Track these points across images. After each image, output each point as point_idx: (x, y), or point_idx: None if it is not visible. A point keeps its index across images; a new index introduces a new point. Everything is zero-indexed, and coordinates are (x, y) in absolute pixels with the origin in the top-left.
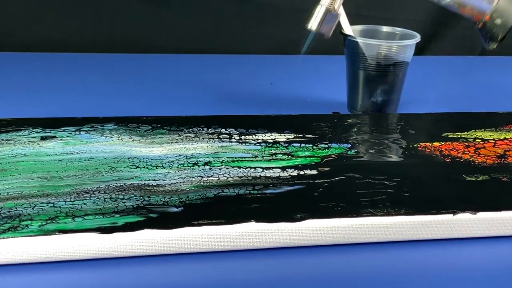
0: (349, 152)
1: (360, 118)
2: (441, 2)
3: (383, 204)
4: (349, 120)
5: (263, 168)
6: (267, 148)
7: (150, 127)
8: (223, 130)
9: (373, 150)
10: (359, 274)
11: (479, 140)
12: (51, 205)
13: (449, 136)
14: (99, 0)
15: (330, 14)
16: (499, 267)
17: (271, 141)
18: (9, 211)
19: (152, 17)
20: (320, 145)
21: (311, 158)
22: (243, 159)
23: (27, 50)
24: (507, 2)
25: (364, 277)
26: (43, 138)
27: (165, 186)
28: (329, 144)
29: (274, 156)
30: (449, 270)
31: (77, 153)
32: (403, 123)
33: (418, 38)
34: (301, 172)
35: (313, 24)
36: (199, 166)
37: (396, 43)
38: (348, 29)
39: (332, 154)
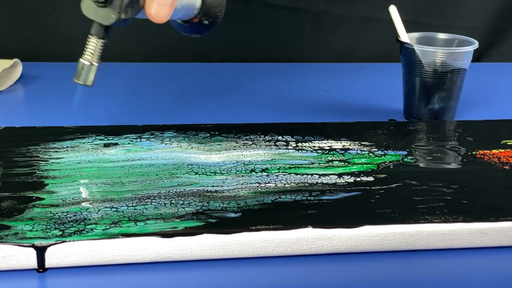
0: (405, 159)
1: (417, 125)
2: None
3: (440, 211)
4: (406, 127)
5: (320, 175)
6: (323, 155)
7: (209, 135)
8: (280, 138)
9: (430, 157)
10: (416, 281)
11: None
12: (115, 209)
13: (508, 143)
14: None
15: (93, 67)
16: None
17: (328, 148)
18: (74, 215)
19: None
20: (376, 152)
21: (367, 165)
22: (300, 165)
23: None
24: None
25: (421, 284)
26: (106, 145)
27: (224, 192)
28: (386, 151)
29: (330, 163)
30: (509, 278)
31: (138, 159)
32: (461, 130)
33: (476, 44)
34: (358, 179)
35: (81, 78)
36: (256, 172)
37: (453, 50)
38: (404, 36)
39: (388, 161)
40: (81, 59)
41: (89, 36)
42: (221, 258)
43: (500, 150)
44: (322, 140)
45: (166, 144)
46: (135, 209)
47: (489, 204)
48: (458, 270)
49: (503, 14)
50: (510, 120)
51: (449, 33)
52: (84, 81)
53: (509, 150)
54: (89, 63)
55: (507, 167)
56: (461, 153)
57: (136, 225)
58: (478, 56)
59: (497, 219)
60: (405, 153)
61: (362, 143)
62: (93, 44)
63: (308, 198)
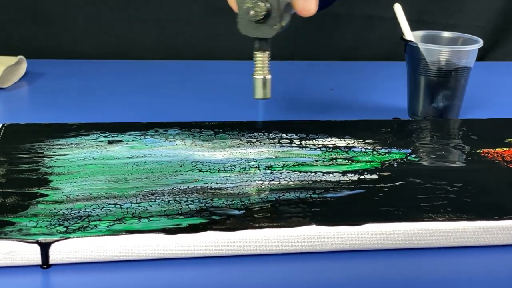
0: (409, 158)
1: (421, 124)
2: None
3: (444, 209)
4: (410, 126)
5: (324, 173)
6: (327, 153)
7: (212, 132)
8: (283, 135)
9: (434, 156)
10: (420, 279)
11: None
12: (118, 206)
13: None
14: (163, 11)
15: (267, 80)
16: None
17: (331, 146)
18: (78, 212)
19: (215, 25)
20: (380, 150)
21: (371, 163)
22: (303, 163)
23: (93, 57)
24: None
25: (424, 282)
26: (110, 142)
27: (227, 190)
28: (390, 149)
29: (334, 160)
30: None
31: (142, 156)
32: (465, 129)
33: (480, 43)
34: (362, 177)
35: (257, 94)
36: (260, 170)
37: (458, 48)
38: (409, 34)
39: (392, 159)
40: (254, 76)
41: (255, 52)
42: (224, 255)
43: (504, 149)
44: (326, 138)
45: (170, 141)
46: (139, 206)
47: (493, 203)
48: (462, 269)
49: (508, 13)
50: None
51: (454, 31)
52: (263, 95)
53: None
54: (262, 77)
55: (511, 166)
56: (465, 152)
57: (140, 222)
58: (482, 55)
59: (501, 217)
60: (409, 151)
61: (366, 141)
62: (261, 59)
63: (312, 195)
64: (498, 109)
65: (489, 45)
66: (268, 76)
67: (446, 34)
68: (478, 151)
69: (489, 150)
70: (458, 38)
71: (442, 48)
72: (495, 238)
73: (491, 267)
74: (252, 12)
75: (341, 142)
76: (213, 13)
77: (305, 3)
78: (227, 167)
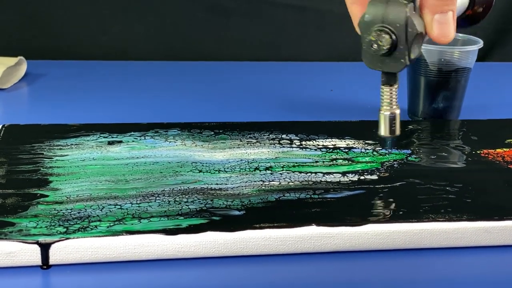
0: (409, 158)
1: (421, 124)
2: None
3: (444, 210)
4: (410, 126)
5: (324, 173)
6: (327, 153)
7: (213, 133)
8: (284, 136)
9: (434, 156)
10: (420, 279)
11: None
12: (119, 207)
13: None
14: (161, 11)
15: (396, 116)
16: None
17: (332, 146)
18: (79, 212)
19: (214, 26)
20: (380, 151)
21: (371, 164)
22: (304, 164)
23: (93, 58)
24: None
25: (425, 282)
26: (110, 143)
27: (228, 190)
28: (390, 150)
29: (334, 161)
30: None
31: (142, 157)
32: (465, 129)
33: (480, 44)
34: (362, 177)
35: (384, 131)
36: (260, 170)
37: (458, 49)
38: None
39: (392, 160)
40: (381, 112)
41: (381, 86)
42: (224, 256)
43: (504, 150)
44: (326, 138)
45: (170, 142)
46: (139, 206)
47: (493, 203)
48: (463, 269)
49: (508, 13)
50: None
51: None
52: (390, 133)
53: None
54: (389, 113)
55: (511, 166)
56: (466, 152)
57: (140, 222)
58: (482, 55)
59: (501, 218)
60: (409, 152)
61: (367, 141)
62: (388, 94)
63: (312, 196)
64: (498, 110)
65: (489, 45)
66: (397, 111)
67: None
68: (478, 152)
69: (489, 150)
70: (458, 39)
71: (442, 49)
72: (495, 238)
73: (492, 268)
74: (375, 46)
75: (341, 143)
76: (214, 13)
77: (442, 30)
78: (227, 168)
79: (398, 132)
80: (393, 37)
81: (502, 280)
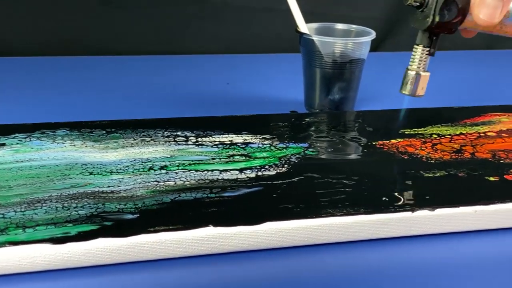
0: (307, 152)
1: (318, 117)
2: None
3: (342, 204)
4: (307, 119)
5: (221, 171)
6: (224, 150)
7: (104, 132)
8: (179, 133)
9: (332, 149)
10: (320, 275)
11: (436, 136)
12: (1, 216)
13: (406, 132)
14: (51, 5)
15: (422, 77)
16: (458, 264)
17: (228, 142)
18: None
19: (108, 19)
20: (278, 146)
21: (269, 159)
22: (200, 162)
23: None
24: None
25: (325, 278)
26: None
27: (120, 193)
28: (287, 144)
29: (231, 158)
30: (409, 268)
31: (27, 160)
32: (360, 121)
33: (373, 35)
34: (259, 174)
35: (406, 89)
36: (155, 170)
37: (351, 40)
38: (303, 27)
39: (290, 154)
40: (407, 69)
41: (415, 45)
42: (119, 262)
43: (399, 140)
44: (223, 134)
45: (58, 143)
46: (23, 214)
47: (389, 195)
48: (361, 262)
49: (399, 4)
50: (408, 109)
51: (347, 23)
52: (411, 91)
53: (407, 139)
54: (415, 73)
55: (405, 157)
56: (362, 144)
57: (25, 232)
58: (375, 46)
59: (397, 209)
60: (307, 145)
61: (264, 136)
62: (419, 54)
63: (209, 195)
64: (393, 100)
65: (382, 36)
66: (422, 74)
67: (340, 26)
68: (374, 143)
69: (384, 141)
70: (352, 30)
71: (336, 40)
72: (392, 230)
73: (389, 259)
74: None
75: (238, 138)
76: (108, 6)
77: (487, 13)
78: (120, 169)
79: (421, 93)
80: None
81: (400, 271)
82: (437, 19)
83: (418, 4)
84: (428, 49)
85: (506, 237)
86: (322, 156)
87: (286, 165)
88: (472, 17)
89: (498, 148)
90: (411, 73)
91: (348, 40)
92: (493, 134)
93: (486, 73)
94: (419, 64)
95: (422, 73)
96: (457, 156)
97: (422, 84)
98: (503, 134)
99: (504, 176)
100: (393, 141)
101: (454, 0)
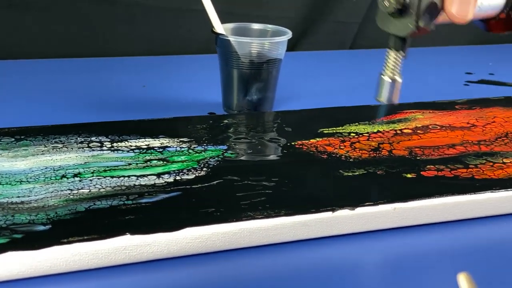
0: (226, 154)
1: (236, 118)
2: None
3: (262, 206)
4: (225, 121)
5: (138, 176)
6: (141, 154)
7: (13, 139)
8: (93, 138)
9: (251, 150)
10: (242, 279)
11: (354, 134)
12: None
13: (325, 131)
14: None
15: (396, 83)
16: (379, 262)
17: (145, 147)
18: None
19: (12, 22)
20: (196, 149)
21: (187, 163)
22: (115, 167)
23: None
24: None
25: (247, 281)
26: None
27: (31, 203)
28: (206, 147)
29: (148, 162)
30: (332, 268)
31: None
32: (279, 121)
33: (289, 34)
34: (178, 178)
35: (382, 96)
36: (68, 178)
37: (268, 40)
38: (219, 27)
39: (209, 157)
40: (382, 76)
41: (388, 50)
42: (30, 277)
43: (318, 139)
44: (139, 138)
45: None
46: None
47: (309, 195)
48: (283, 264)
49: (314, 3)
50: (326, 108)
51: (263, 23)
52: (387, 99)
53: (326, 138)
54: (390, 80)
55: (324, 156)
56: (281, 145)
57: None
58: (292, 45)
59: (317, 210)
60: (225, 147)
61: (181, 139)
62: (392, 59)
63: (126, 202)
64: (311, 99)
65: (298, 35)
66: (399, 80)
67: (256, 26)
68: (293, 143)
69: (303, 141)
70: (268, 30)
71: (252, 41)
72: (313, 231)
73: (311, 261)
74: (386, 3)
75: (155, 142)
76: (10, 9)
77: (461, 7)
78: (30, 178)
79: (396, 100)
80: None
81: (321, 271)
82: (421, 24)
83: (395, 10)
84: (404, 55)
85: (424, 233)
86: (242, 158)
87: (205, 169)
88: (448, 17)
89: (414, 144)
90: (387, 80)
91: (264, 40)
92: (409, 131)
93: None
94: (394, 69)
95: (398, 79)
96: (375, 154)
97: (397, 90)
98: (418, 131)
99: (421, 173)
100: (312, 140)
101: (435, 2)
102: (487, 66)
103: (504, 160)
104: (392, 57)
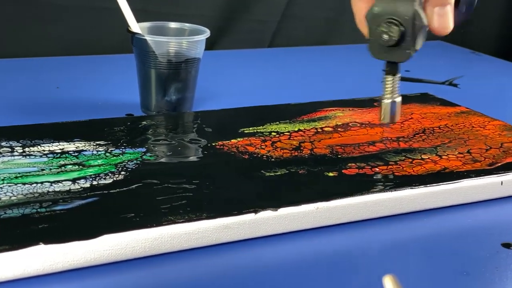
0: (144, 157)
1: (155, 119)
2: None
3: (183, 210)
4: (144, 122)
5: (51, 182)
6: (55, 159)
7: None
8: (3, 143)
9: (171, 152)
10: (162, 287)
11: (275, 134)
12: None
13: (246, 131)
14: None
15: (397, 104)
16: (303, 262)
17: (59, 151)
18: None
19: None
20: (114, 152)
21: (104, 167)
22: (28, 174)
23: None
24: None
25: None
26: None
27: None
28: (124, 150)
29: (63, 167)
30: (255, 271)
31: None
32: (199, 122)
33: (207, 33)
34: (94, 183)
35: (387, 118)
36: None
37: (185, 39)
38: (135, 26)
39: (127, 160)
40: (383, 101)
41: (385, 76)
42: None
43: (238, 139)
44: (53, 142)
45: None
46: None
47: (231, 197)
48: (206, 269)
49: (232, 1)
50: (247, 108)
51: (181, 21)
52: (391, 120)
53: (246, 138)
54: (390, 101)
55: (246, 156)
56: (201, 146)
57: None
58: (210, 44)
59: (240, 212)
60: (144, 150)
61: (98, 142)
62: (390, 83)
63: (39, 210)
64: (231, 99)
65: (216, 34)
66: (398, 99)
67: (173, 24)
68: (213, 144)
69: (224, 142)
70: (185, 29)
71: (170, 40)
72: (236, 233)
73: (234, 264)
74: (385, 37)
75: (70, 146)
76: None
77: (441, 21)
78: None
79: (397, 119)
80: (402, 28)
81: (246, 274)
82: (418, 47)
83: (396, 41)
84: (399, 75)
85: (347, 232)
86: (161, 160)
87: (123, 172)
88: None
89: (335, 143)
90: (387, 103)
91: (182, 39)
92: (330, 129)
93: (320, 69)
94: (393, 92)
95: (396, 100)
96: (296, 153)
97: (399, 108)
98: (339, 129)
99: (343, 171)
100: (233, 141)
101: (424, 24)
102: (403, 63)
103: (423, 156)
104: (390, 81)
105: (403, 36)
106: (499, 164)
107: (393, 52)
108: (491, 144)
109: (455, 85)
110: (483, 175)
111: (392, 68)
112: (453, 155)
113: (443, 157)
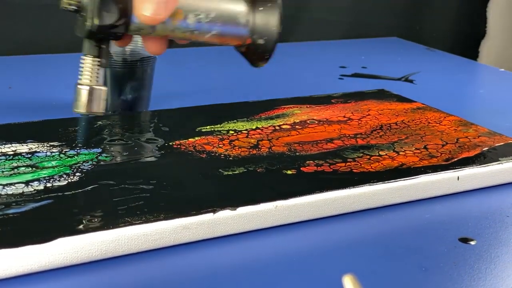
0: (100, 157)
1: (111, 119)
2: (205, 37)
3: (140, 211)
4: (99, 122)
5: (3, 185)
6: (7, 161)
7: None
8: None
9: (127, 153)
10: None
11: (233, 132)
12: None
13: (203, 130)
14: None
15: (95, 91)
16: (262, 261)
17: (12, 153)
18: None
19: None
20: (68, 153)
21: (59, 168)
22: None
23: None
24: (263, 20)
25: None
26: None
27: None
28: (78, 150)
29: (15, 170)
30: (214, 271)
31: None
32: (156, 121)
33: None
34: (49, 185)
35: (79, 106)
36: None
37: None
38: None
39: (82, 161)
40: (78, 86)
41: (82, 57)
42: None
43: (196, 138)
44: (5, 144)
45: None
46: None
47: (189, 197)
48: (164, 271)
49: None
50: (204, 106)
51: None
52: (86, 109)
53: (204, 137)
54: (88, 88)
55: (203, 156)
56: (158, 145)
57: None
58: (168, 42)
59: (198, 212)
60: (100, 150)
61: (52, 143)
62: (89, 65)
63: None
64: (188, 97)
65: None
66: (98, 88)
67: None
68: (171, 143)
69: (181, 141)
70: None
71: None
72: (195, 234)
73: (193, 265)
74: (65, 1)
75: (22, 148)
76: None
77: (150, 7)
78: None
79: (97, 110)
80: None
81: (204, 275)
82: (96, 22)
83: (74, 8)
84: (98, 59)
85: (307, 230)
86: (117, 161)
87: (78, 174)
88: (136, 17)
89: (293, 140)
90: (83, 88)
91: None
92: (288, 126)
93: (277, 66)
94: (91, 77)
95: (96, 87)
96: (255, 152)
97: (98, 99)
98: (296, 126)
99: (301, 169)
100: (190, 140)
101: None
102: (360, 59)
103: (380, 153)
104: (88, 63)
105: (83, 4)
106: (455, 160)
107: (79, 24)
108: (447, 140)
109: (411, 81)
110: (440, 171)
111: (90, 48)
112: (410, 151)
113: (400, 153)
